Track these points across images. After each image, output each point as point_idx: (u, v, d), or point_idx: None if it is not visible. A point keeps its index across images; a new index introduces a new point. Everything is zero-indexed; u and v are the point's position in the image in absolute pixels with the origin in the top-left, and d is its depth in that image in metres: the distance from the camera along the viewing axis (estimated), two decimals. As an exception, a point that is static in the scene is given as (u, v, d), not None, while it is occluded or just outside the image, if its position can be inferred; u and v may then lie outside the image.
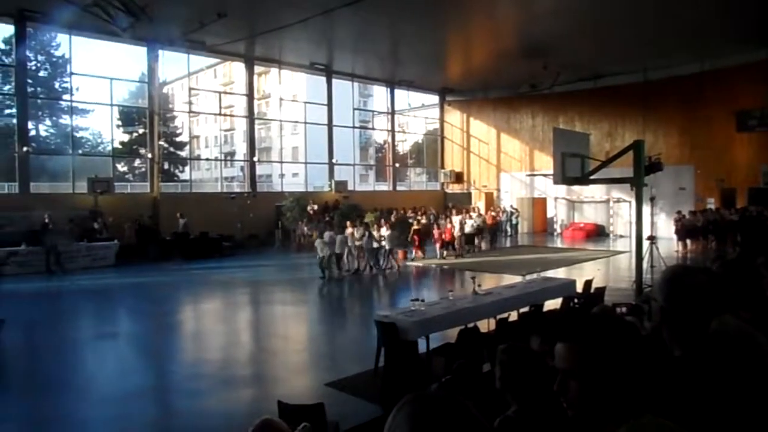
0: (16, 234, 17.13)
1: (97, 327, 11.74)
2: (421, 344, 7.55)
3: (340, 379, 7.32)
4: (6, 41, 27.50)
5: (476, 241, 22.50)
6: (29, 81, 23.03)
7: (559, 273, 15.45)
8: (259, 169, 28.99)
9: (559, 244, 26.14)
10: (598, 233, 28.01)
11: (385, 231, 17.77)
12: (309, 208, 24.44)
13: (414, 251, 19.87)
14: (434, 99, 35.61)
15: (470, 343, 7.07)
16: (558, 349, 1.41)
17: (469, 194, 33.48)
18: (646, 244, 13.38)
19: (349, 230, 17.70)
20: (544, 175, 28.98)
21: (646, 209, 11.84)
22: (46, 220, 17.83)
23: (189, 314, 12.62)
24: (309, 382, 7.69)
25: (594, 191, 26.95)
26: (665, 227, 22.89)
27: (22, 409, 6.96)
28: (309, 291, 14.99)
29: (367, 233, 17.27)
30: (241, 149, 37.92)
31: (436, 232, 20.69)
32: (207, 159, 44.95)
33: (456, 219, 21.96)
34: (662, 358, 1.73)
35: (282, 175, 30.16)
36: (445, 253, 20.16)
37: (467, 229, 21.42)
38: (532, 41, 20.92)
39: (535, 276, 11.30)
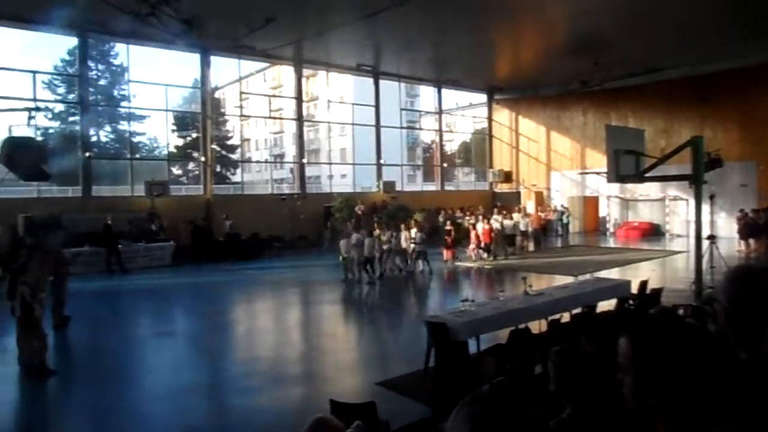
0: (80, 235, 17.91)
1: (154, 325, 12.17)
2: (471, 345, 7.50)
3: (389, 379, 7.35)
4: (70, 53, 28.80)
5: (520, 242, 21.73)
6: (90, 90, 24.03)
7: (613, 273, 15.03)
8: (308, 171, 29.37)
9: (612, 243, 25.44)
10: (654, 232, 27.09)
11: (414, 233, 17.34)
12: (357, 208, 24.60)
13: (446, 253, 19.00)
14: (482, 98, 35.26)
15: (521, 345, 6.97)
16: (619, 344, 1.40)
17: (518, 194, 33.01)
18: (705, 243, 12.87)
19: (376, 232, 17.09)
20: (597, 173, 28.26)
21: (706, 207, 11.37)
22: (109, 222, 18.58)
23: (241, 313, 12.91)
24: (359, 381, 7.74)
25: (649, 189, 26.10)
26: (726, 226, 21.96)
27: (86, 401, 7.29)
28: (357, 291, 15.09)
29: (394, 234, 16.98)
30: (290, 151, 38.54)
31: (472, 233, 19.98)
32: (257, 161, 45.87)
33: (494, 219, 21.01)
34: (728, 361, 1.67)
35: (330, 177, 30.48)
36: (483, 255, 19.46)
37: (507, 230, 20.67)
38: (583, 37, 20.42)
39: (587, 276, 11.05)
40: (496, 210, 23.29)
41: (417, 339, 8.73)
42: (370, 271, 16.00)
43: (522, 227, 21.79)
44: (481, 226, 19.92)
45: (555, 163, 31.88)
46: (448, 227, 20.14)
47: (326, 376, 8.12)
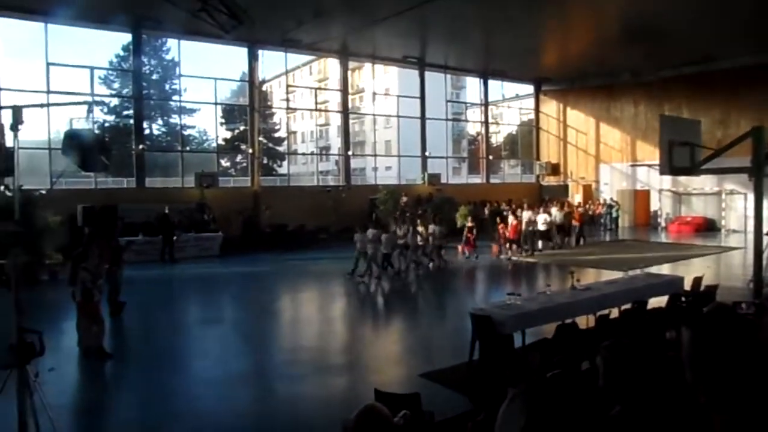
0: (134, 225, 18.55)
1: (204, 312, 12.53)
2: (517, 339, 7.44)
3: (434, 371, 7.36)
4: (124, 48, 29.78)
5: (557, 237, 20.75)
6: (144, 84, 24.79)
7: (664, 269, 14.60)
8: (353, 163, 29.53)
9: (663, 239, 24.67)
10: (708, 228, 26.14)
11: (432, 228, 16.76)
12: (402, 200, 24.62)
13: (465, 249, 18.37)
14: (529, 89, 34.66)
15: (568, 340, 6.87)
16: (681, 339, 1.37)
17: (566, 186, 32.38)
18: (766, 239, 12.32)
19: (392, 227, 16.85)
20: (648, 166, 27.46)
21: (766, 202, 10.88)
22: (166, 211, 19.17)
23: (287, 303, 13.14)
24: (402, 372, 7.78)
25: (704, 182, 25.18)
26: (787, 221, 20.96)
27: (140, 383, 7.59)
28: (398, 282, 15.13)
29: (411, 229, 16.45)
30: (335, 143, 38.81)
31: (500, 227, 19.11)
32: (303, 153, 46.40)
33: (525, 214, 19.98)
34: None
35: (375, 169, 30.56)
36: (509, 250, 18.67)
37: (540, 225, 19.69)
38: (637, 25, 19.78)
39: (637, 272, 10.77)
40: (525, 205, 22.03)
41: (460, 331, 8.72)
42: (386, 267, 15.40)
43: (558, 222, 20.84)
44: (511, 220, 19.27)
45: (604, 156, 31.10)
46: (469, 224, 19.06)
47: (370, 366, 8.20)
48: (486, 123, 32.93)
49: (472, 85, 35.10)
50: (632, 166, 29.52)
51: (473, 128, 40.05)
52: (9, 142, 4.64)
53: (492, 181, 32.55)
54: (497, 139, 40.49)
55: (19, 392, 4.20)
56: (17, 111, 4.41)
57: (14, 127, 4.41)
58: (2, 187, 16.30)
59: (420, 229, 16.72)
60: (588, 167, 31.83)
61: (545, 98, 33.71)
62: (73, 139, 4.52)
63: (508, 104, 39.00)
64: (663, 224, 27.95)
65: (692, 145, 11.81)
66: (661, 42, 21.16)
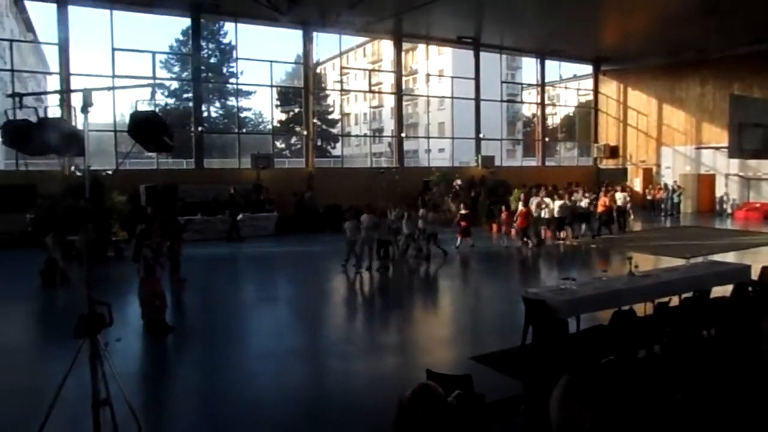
0: (194, 205, 19.17)
1: (259, 290, 12.88)
2: (571, 325, 7.32)
3: (484, 354, 7.34)
4: (184, 33, 30.58)
5: (582, 227, 19.07)
6: (202, 68, 25.40)
7: (729, 257, 13.97)
8: (406, 145, 29.49)
9: (729, 225, 23.59)
10: (779, 215, 24.83)
11: (423, 212, 15.86)
12: (455, 183, 24.44)
13: (460, 238, 17.01)
14: (587, 69, 33.61)
15: (625, 327, 6.71)
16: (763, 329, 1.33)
17: (625, 170, 31.36)
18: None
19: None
20: (715, 149, 26.25)
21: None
22: (232, 191, 19.72)
23: (339, 282, 13.28)
24: (453, 354, 7.80)
25: (776, 167, 23.89)
26: None
27: (199, 356, 7.90)
28: (450, 265, 15.09)
29: (405, 215, 15.47)
30: (388, 125, 38.82)
31: (504, 214, 17.87)
32: (357, 135, 46.64)
33: (534, 200, 18.49)
34: None
35: (428, 151, 30.42)
36: (519, 241, 17.24)
37: (557, 212, 18.08)
38: None
39: (700, 259, 10.36)
40: (544, 190, 20.30)
41: (511, 315, 8.65)
42: (383, 255, 14.37)
43: (583, 209, 19.22)
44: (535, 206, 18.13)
45: (666, 138, 29.89)
46: (463, 211, 17.69)
47: (421, 347, 8.25)
48: (542, 104, 32.16)
49: (528, 66, 34.38)
50: (697, 149, 28.26)
51: (529, 110, 39.27)
52: (79, 124, 4.87)
53: (548, 164, 31.85)
54: (554, 120, 39.50)
55: (91, 360, 4.44)
56: (87, 94, 4.60)
57: (84, 110, 4.61)
58: (73, 168, 17.18)
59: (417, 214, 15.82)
60: (649, 150, 30.69)
61: (605, 78, 32.60)
62: (138, 120, 4.69)
63: (566, 85, 37.92)
64: (729, 210, 26.72)
65: (765, 127, 11.22)
66: (730, 16, 19.98)
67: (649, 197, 28.65)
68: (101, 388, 4.50)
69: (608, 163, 32.26)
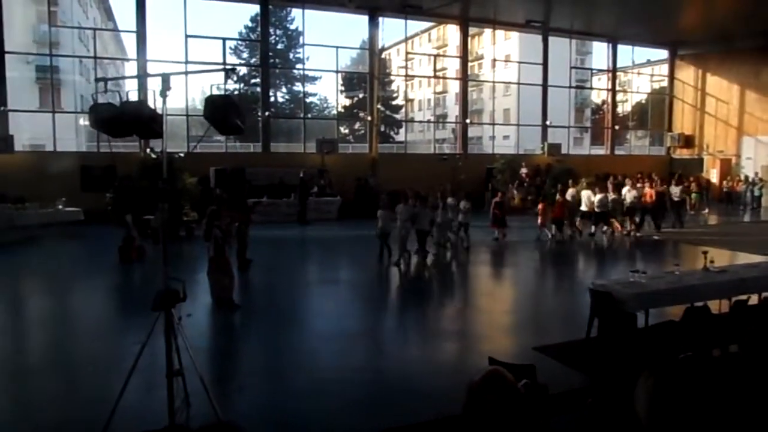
0: (260, 188, 19.68)
1: (323, 272, 13.13)
2: (639, 319, 7.08)
3: (547, 345, 7.22)
4: (252, 19, 31.25)
5: (627, 222, 17.67)
6: (270, 53, 25.88)
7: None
8: (471, 131, 29.13)
9: (817, 221, 22.09)
10: None
11: (454, 201, 14.88)
12: (521, 171, 24.00)
13: (495, 229, 16.13)
14: (663, 54, 32.08)
15: (698, 324, 6.43)
16: None
17: (701, 160, 29.84)
18: None
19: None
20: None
21: None
22: (302, 175, 20.16)
23: (401, 268, 13.33)
24: (516, 343, 7.71)
25: None
26: None
27: (264, 334, 8.14)
28: (515, 254, 14.87)
29: (441, 204, 14.38)
30: (452, 111, 38.48)
31: (540, 206, 16.79)
32: (420, 121, 46.46)
33: (570, 191, 17.65)
34: None
35: (493, 138, 29.94)
36: (548, 233, 16.23)
37: (583, 206, 17.14)
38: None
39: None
40: (571, 182, 19.24)
41: (576, 307, 8.45)
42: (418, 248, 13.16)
43: (629, 203, 17.74)
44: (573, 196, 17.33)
45: (748, 127, 28.18)
46: (497, 199, 16.80)
47: (482, 335, 8.20)
48: (613, 91, 30.98)
49: (599, 51, 33.08)
50: (783, 139, 26.56)
51: (598, 96, 37.92)
52: (157, 108, 5.09)
53: (617, 152, 30.73)
54: (624, 108, 38.01)
55: (166, 333, 4.67)
56: (166, 78, 4.80)
57: (163, 93, 4.81)
58: (148, 150, 17.98)
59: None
60: (728, 140, 29.05)
61: (681, 63, 31.02)
62: (213, 103, 4.85)
63: (639, 70, 36.40)
64: (817, 205, 25.05)
65: None
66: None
67: (726, 189, 27.17)
68: (174, 359, 4.74)
69: (682, 153, 30.80)
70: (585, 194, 17.38)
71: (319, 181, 21.57)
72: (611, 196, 17.14)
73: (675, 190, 19.14)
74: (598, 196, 16.94)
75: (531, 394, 2.85)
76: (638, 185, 19.48)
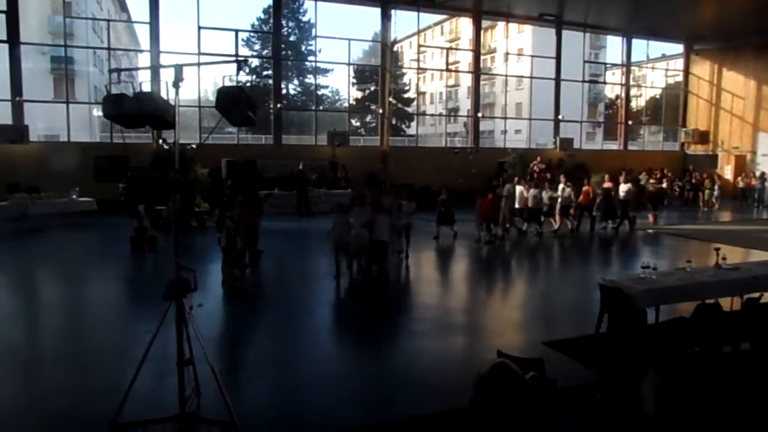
0: (272, 180, 19.75)
1: (331, 264, 13.12)
2: (649, 316, 7.05)
3: (556, 340, 7.21)
4: (265, 11, 31.25)
5: (569, 219, 16.92)
6: (282, 45, 25.90)
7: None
8: (482, 125, 29.03)
9: (832, 219, 21.82)
10: None
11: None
12: (533, 164, 23.87)
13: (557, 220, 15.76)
14: (678, 48, 31.74)
15: (710, 321, 6.39)
16: None
17: (715, 156, 29.54)
18: None
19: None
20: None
21: None
22: (300, 167, 20.21)
23: (411, 260, 13.34)
24: (525, 338, 7.70)
25: None
26: None
27: (274, 324, 8.19)
28: (522, 248, 14.83)
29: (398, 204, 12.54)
30: (464, 105, 38.31)
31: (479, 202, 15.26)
32: (432, 114, 46.30)
33: (506, 188, 16.69)
34: None
35: (504, 131, 29.82)
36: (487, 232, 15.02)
37: (530, 202, 16.31)
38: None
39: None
40: (516, 178, 18.28)
41: (586, 302, 8.42)
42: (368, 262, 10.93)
43: (563, 199, 16.78)
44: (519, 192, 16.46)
45: (764, 123, 27.85)
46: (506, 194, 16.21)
47: (492, 330, 8.20)
48: (627, 85, 30.73)
49: (613, 45, 32.92)
50: (800, 135, 26.23)
51: (612, 91, 37.59)
52: (170, 99, 5.11)
53: (630, 148, 30.49)
54: (638, 103, 37.65)
55: (177, 322, 4.72)
56: (179, 69, 4.81)
57: (176, 84, 4.83)
58: (161, 141, 18.08)
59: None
60: (743, 136, 28.72)
61: (697, 58, 30.66)
62: (225, 95, 4.86)
63: (653, 65, 36.01)
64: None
65: None
66: None
67: (740, 186, 26.89)
68: (185, 348, 4.78)
69: (696, 149, 30.50)
70: (518, 190, 16.63)
71: (330, 173, 21.60)
72: (546, 193, 16.68)
73: (622, 188, 17.69)
74: (532, 192, 16.33)
75: (538, 386, 2.85)
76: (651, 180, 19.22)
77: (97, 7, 31.37)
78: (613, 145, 31.78)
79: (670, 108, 32.87)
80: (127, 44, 31.85)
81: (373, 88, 32.79)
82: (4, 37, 19.08)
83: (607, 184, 18.21)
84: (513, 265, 13.62)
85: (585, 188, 17.41)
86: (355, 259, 10.61)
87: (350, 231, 10.36)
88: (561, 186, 17.10)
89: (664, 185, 23.20)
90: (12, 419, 5.14)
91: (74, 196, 17.11)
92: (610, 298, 7.09)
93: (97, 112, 25.68)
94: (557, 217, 16.85)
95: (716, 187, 24.37)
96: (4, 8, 18.88)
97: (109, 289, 10.40)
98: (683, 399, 1.10)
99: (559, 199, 16.82)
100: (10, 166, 18.09)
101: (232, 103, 4.89)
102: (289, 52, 34.14)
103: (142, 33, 23.07)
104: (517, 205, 16.58)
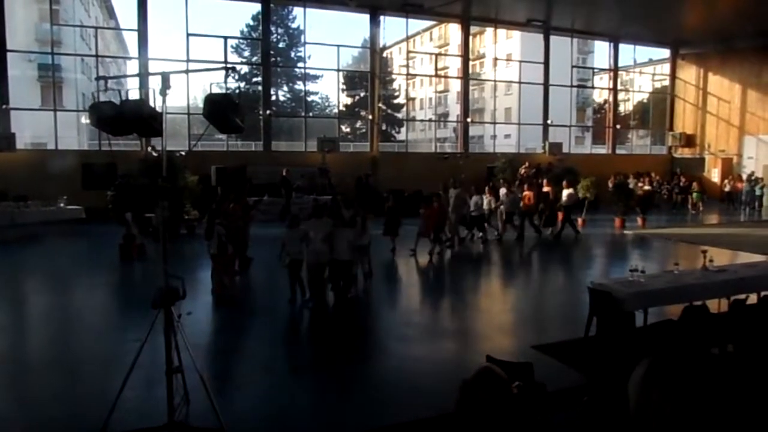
0: (261, 186, 19.69)
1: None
2: (638, 318, 7.10)
3: (546, 343, 7.24)
4: (254, 18, 31.27)
5: (500, 227, 16.19)
6: (271, 52, 25.90)
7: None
8: (472, 130, 29.13)
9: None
10: None
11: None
12: (522, 168, 23.98)
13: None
14: (664, 53, 32.08)
15: (697, 323, 6.45)
16: None
17: (702, 159, 29.82)
18: None
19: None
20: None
21: None
22: (284, 174, 20.17)
23: (402, 266, 13.34)
24: (514, 342, 7.73)
25: None
26: None
27: (263, 332, 8.16)
28: (514, 253, 14.88)
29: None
30: (453, 110, 38.49)
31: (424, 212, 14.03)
32: (422, 120, 46.45)
33: (452, 192, 15.48)
34: None
35: (494, 137, 29.94)
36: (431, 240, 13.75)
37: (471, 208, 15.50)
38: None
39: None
40: (454, 182, 16.65)
41: (579, 306, 8.46)
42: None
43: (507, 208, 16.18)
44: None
45: (750, 127, 28.16)
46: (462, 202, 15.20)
47: (481, 334, 8.22)
48: (614, 90, 30.98)
49: (601, 50, 33.09)
50: (785, 138, 26.54)
51: (600, 96, 37.91)
52: (158, 107, 5.11)
53: (618, 152, 30.72)
54: (626, 107, 38.02)
55: (165, 330, 4.70)
56: (166, 77, 4.81)
57: (163, 92, 4.83)
58: (149, 148, 18.02)
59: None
60: (729, 139, 29.02)
61: (683, 63, 30.99)
62: (212, 102, 4.86)
63: (640, 70, 36.40)
64: (819, 205, 25.01)
65: None
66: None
67: (727, 189, 27.13)
68: (174, 356, 4.76)
69: (684, 152, 30.79)
70: (453, 194, 15.31)
71: (320, 180, 21.58)
72: (487, 198, 16.06)
73: (564, 193, 17.10)
74: (474, 199, 15.44)
75: (524, 393, 2.87)
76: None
77: (84, 14, 31.28)
78: (601, 149, 32.01)
79: (657, 112, 33.19)
80: (115, 51, 31.76)
81: (362, 94, 32.86)
82: (-10, 45, 18.94)
83: (546, 189, 17.75)
84: (471, 273, 13.05)
85: (525, 193, 16.88)
86: (312, 282, 9.06)
87: (306, 247, 8.96)
88: (503, 191, 16.63)
89: (648, 188, 23.29)
90: (0, 427, 5.10)
91: (62, 204, 16.99)
92: (599, 301, 7.14)
93: (85, 119, 25.57)
94: (500, 224, 16.23)
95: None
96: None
97: (98, 297, 10.32)
98: (664, 396, 1.12)
99: (501, 206, 16.25)
100: (-3, 174, 17.97)
101: (219, 110, 4.90)
102: (279, 59, 34.15)
103: (131, 40, 23.03)
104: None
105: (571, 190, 17.37)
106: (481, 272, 13.26)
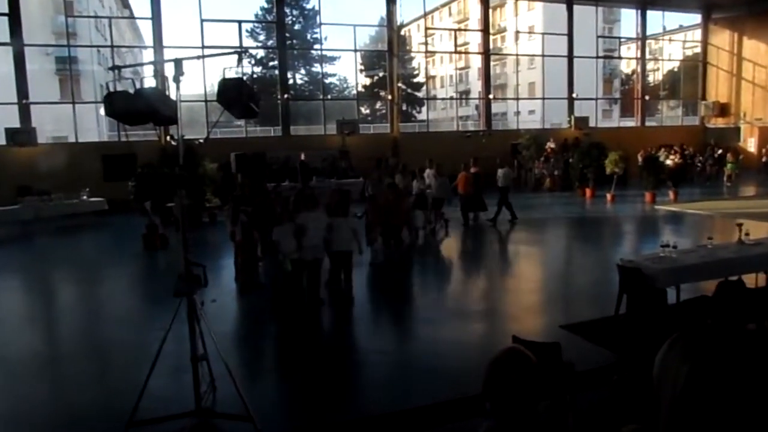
0: (281, 171, 19.71)
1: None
2: (670, 295, 6.90)
3: (575, 323, 7.09)
4: (268, 1, 31.06)
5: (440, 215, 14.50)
6: (287, 35, 25.74)
7: None
8: (494, 107, 28.68)
9: None
10: None
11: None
12: (547, 146, 23.55)
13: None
14: (695, 18, 30.99)
15: (732, 299, 6.20)
16: None
17: (737, 129, 28.83)
18: None
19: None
20: None
21: None
22: (302, 158, 20.15)
23: (425, 248, 13.21)
24: (542, 321, 7.59)
25: None
26: None
27: (287, 319, 8.12)
28: (541, 231, 14.65)
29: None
30: (475, 87, 37.92)
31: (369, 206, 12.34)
32: (443, 98, 45.94)
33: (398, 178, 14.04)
34: None
35: (518, 113, 29.48)
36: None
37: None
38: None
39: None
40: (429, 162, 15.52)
41: (608, 284, 8.25)
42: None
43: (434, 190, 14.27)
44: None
45: (789, 93, 27.07)
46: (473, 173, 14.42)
47: (509, 314, 8.09)
48: (643, 59, 30.06)
49: (628, 18, 32.14)
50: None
51: (627, 66, 36.94)
52: (172, 94, 5.04)
53: (648, 124, 29.92)
54: (655, 77, 36.97)
55: (189, 318, 4.69)
56: (178, 63, 4.74)
57: (176, 79, 4.76)
58: (168, 137, 18.12)
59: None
60: (766, 107, 27.97)
61: (715, 28, 29.84)
62: (226, 87, 4.79)
63: (670, 37, 35.30)
64: None
65: None
66: None
67: (765, 159, 26.22)
68: (198, 344, 4.76)
69: (717, 122, 29.83)
70: (398, 180, 14.03)
71: (340, 163, 21.50)
72: (416, 183, 14.30)
73: (499, 173, 15.85)
74: (414, 184, 14.15)
75: (551, 373, 2.79)
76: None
77: (99, 4, 31.45)
78: (630, 122, 31.24)
79: (688, 81, 32.16)
80: (130, 41, 31.94)
81: (381, 74, 32.50)
82: (7, 40, 19.07)
83: (473, 169, 15.35)
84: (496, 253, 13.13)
85: (460, 175, 15.06)
86: (310, 281, 8.17)
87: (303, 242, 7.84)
88: (427, 172, 14.83)
89: (679, 160, 22.61)
90: (32, 416, 5.19)
91: (85, 197, 17.24)
92: (629, 278, 6.94)
93: (103, 111, 25.88)
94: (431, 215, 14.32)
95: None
96: (6, 10, 18.88)
97: (124, 287, 10.44)
98: (680, 363, 1.02)
99: (427, 191, 14.24)
100: (20, 169, 18.27)
101: (233, 95, 4.82)
102: (295, 41, 33.92)
103: (145, 29, 23.06)
104: None
105: (506, 169, 15.98)
106: (508, 252, 13.09)
